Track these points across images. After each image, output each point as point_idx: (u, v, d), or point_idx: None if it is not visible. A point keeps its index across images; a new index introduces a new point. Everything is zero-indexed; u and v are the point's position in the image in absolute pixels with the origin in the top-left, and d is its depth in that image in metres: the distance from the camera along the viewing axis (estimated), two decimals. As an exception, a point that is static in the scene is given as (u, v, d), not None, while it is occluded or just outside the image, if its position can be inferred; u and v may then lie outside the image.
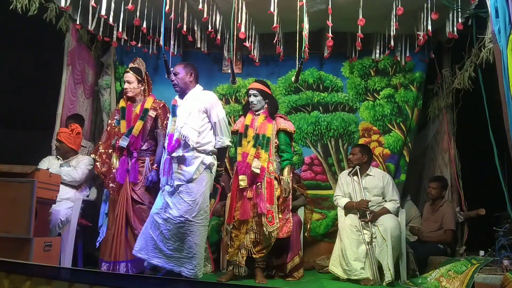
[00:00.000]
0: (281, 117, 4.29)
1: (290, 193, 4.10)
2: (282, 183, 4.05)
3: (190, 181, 3.68)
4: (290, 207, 4.17)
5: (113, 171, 4.06)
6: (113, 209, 4.05)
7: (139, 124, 4.08)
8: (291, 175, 4.16)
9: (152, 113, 4.14)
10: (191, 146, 3.71)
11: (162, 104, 4.22)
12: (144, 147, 4.13)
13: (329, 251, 4.51)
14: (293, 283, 4.13)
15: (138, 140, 4.09)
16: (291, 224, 4.10)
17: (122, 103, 4.25)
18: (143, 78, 4.25)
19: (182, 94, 3.87)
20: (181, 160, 3.71)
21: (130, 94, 4.18)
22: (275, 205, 3.97)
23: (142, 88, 4.23)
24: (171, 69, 3.88)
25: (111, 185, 4.07)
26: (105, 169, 4.13)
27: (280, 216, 4.02)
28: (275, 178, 4.04)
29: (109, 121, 4.32)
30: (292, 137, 4.35)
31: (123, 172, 4.02)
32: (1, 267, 2.54)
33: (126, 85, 4.19)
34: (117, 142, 4.08)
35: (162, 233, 3.64)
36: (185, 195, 3.67)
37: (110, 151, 4.16)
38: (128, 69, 4.23)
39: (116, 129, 4.18)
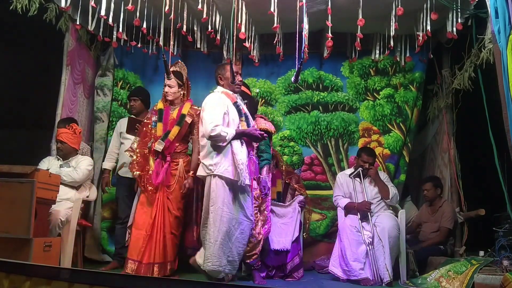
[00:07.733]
0: (261, 117, 4.26)
1: (270, 191, 4.07)
2: (260, 182, 4.01)
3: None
4: (270, 207, 4.12)
5: (150, 173, 4.03)
6: (143, 209, 4.02)
7: (175, 130, 4.08)
8: (270, 175, 4.13)
9: (188, 119, 4.14)
10: None
11: (198, 112, 4.06)
12: (177, 150, 4.13)
13: (329, 251, 4.52)
14: (293, 283, 4.13)
15: (173, 145, 4.09)
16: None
17: (160, 105, 4.24)
18: (184, 83, 4.24)
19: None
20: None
21: (170, 98, 4.19)
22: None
23: (182, 93, 4.24)
24: (170, 69, 3.88)
25: (149, 187, 4.01)
26: (140, 171, 4.09)
27: (259, 216, 3.97)
28: (254, 178, 3.96)
29: (146, 120, 4.27)
30: (272, 138, 4.29)
31: (158, 174, 4.00)
32: (1, 267, 2.54)
33: (166, 89, 4.17)
34: (153, 144, 4.07)
35: (236, 238, 3.61)
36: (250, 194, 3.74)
37: (146, 151, 4.13)
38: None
39: (153, 130, 4.16)
